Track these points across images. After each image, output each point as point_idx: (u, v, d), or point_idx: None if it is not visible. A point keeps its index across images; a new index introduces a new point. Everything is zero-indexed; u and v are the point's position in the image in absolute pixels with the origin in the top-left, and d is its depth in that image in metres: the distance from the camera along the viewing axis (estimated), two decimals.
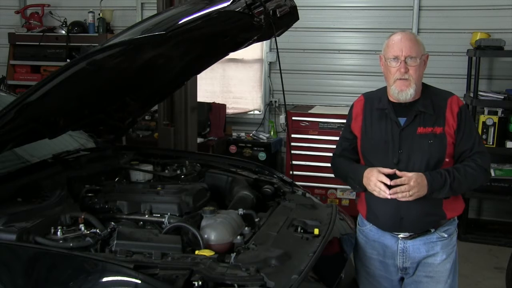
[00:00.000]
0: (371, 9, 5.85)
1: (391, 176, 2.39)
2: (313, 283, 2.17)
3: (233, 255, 2.06)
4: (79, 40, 6.13)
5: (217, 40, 2.71)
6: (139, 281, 1.85)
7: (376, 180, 2.39)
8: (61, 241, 2.08)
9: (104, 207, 2.54)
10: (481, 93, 5.14)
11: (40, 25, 6.47)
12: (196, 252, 2.09)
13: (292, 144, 5.12)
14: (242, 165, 3.27)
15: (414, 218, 2.46)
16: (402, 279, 2.62)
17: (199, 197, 2.63)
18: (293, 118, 5.48)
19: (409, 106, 2.47)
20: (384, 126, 2.50)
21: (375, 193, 2.42)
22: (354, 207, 5.14)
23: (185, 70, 3.12)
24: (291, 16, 2.84)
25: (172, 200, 2.53)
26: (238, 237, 2.25)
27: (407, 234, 2.51)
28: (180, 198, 2.53)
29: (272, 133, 6.12)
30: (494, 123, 5.05)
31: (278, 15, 2.64)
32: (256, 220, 2.46)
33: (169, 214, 2.45)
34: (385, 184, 2.37)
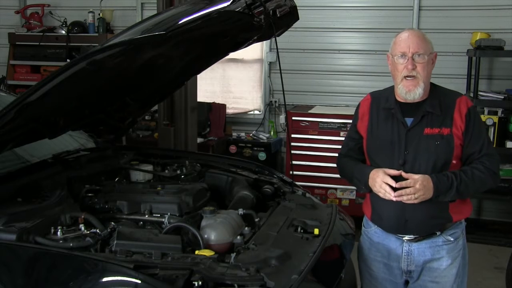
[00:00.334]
0: (371, 9, 5.85)
1: (397, 178, 2.35)
2: (313, 283, 2.17)
3: (233, 255, 2.06)
4: (79, 40, 6.13)
5: (217, 40, 2.71)
6: (139, 281, 1.84)
7: (381, 182, 2.36)
8: (61, 241, 2.08)
9: (104, 207, 2.54)
10: (481, 93, 5.14)
11: (40, 25, 6.47)
12: (196, 252, 2.09)
13: (292, 144, 5.11)
14: (242, 165, 3.27)
15: (419, 221, 2.42)
16: (406, 282, 2.58)
17: (199, 197, 2.63)
18: (293, 118, 5.48)
19: (417, 106, 2.43)
20: (390, 126, 2.47)
21: (381, 195, 2.39)
22: (354, 207, 5.19)
23: (185, 70, 3.12)
24: (291, 16, 2.84)
25: (172, 200, 2.53)
26: (238, 237, 2.25)
27: (412, 236, 2.47)
28: (180, 198, 2.53)
29: (272, 133, 6.12)
30: (494, 123, 5.05)
31: (278, 15, 2.64)
32: (256, 220, 2.46)
33: (169, 214, 2.44)
34: (391, 186, 2.34)
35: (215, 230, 2.23)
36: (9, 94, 3.79)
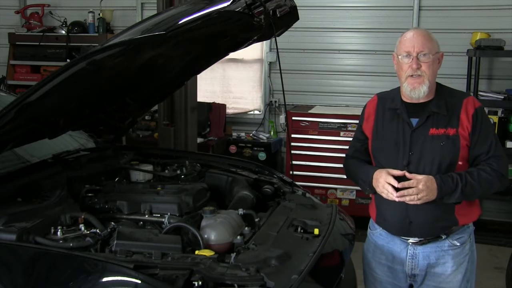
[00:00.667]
0: (371, 9, 5.85)
1: (401, 178, 2.32)
2: (313, 283, 2.17)
3: (233, 255, 2.06)
4: (79, 40, 6.13)
5: (217, 40, 2.71)
6: (139, 281, 1.84)
7: (384, 182, 2.34)
8: (61, 241, 2.08)
9: (104, 207, 2.54)
10: (481, 93, 5.15)
11: (40, 25, 6.47)
12: (196, 252, 2.09)
13: (292, 144, 5.11)
14: (242, 165, 3.26)
15: (423, 223, 2.38)
16: (410, 286, 2.55)
17: (199, 197, 2.62)
18: (293, 118, 5.48)
19: (422, 106, 2.40)
20: (395, 127, 2.45)
21: (383, 195, 2.37)
22: (354, 207, 5.19)
23: (185, 70, 3.12)
24: (291, 16, 2.84)
25: (172, 200, 2.53)
26: (238, 237, 2.25)
27: (416, 239, 2.44)
28: (180, 198, 2.53)
29: (272, 133, 6.12)
30: (494, 123, 5.04)
31: (278, 15, 2.64)
32: (256, 220, 2.46)
33: (169, 214, 2.44)
34: (393, 187, 2.31)
35: (215, 230, 2.23)
36: (9, 94, 3.79)
